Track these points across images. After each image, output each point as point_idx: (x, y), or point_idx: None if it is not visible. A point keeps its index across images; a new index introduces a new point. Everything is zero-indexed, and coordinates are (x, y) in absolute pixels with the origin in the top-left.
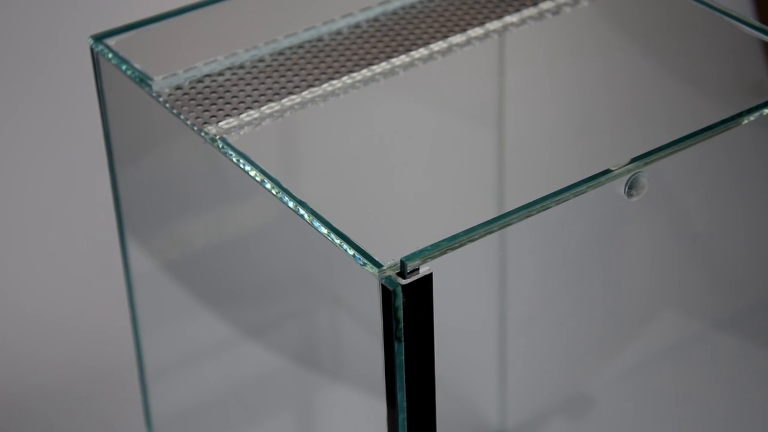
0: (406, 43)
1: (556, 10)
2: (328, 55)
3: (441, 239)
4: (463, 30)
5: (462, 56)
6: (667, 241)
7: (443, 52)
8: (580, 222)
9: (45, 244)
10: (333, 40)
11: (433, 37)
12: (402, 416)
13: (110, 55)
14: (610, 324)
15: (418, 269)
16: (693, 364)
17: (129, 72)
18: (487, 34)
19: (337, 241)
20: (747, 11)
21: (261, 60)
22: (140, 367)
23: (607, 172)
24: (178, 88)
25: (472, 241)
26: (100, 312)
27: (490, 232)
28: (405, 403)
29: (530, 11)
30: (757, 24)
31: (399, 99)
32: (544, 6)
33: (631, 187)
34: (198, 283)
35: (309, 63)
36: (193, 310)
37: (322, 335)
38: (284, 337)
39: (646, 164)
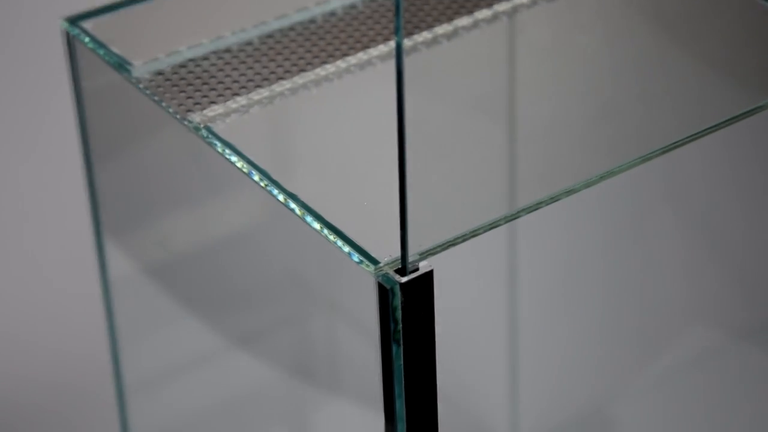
0: (408, 25)
1: None
2: (321, 38)
3: (443, 234)
4: (470, 12)
5: (468, 40)
6: (692, 240)
7: (448, 36)
8: (597, 219)
9: (14, 245)
10: (327, 21)
11: (437, 20)
12: (401, 427)
13: (86, 39)
14: (632, 331)
15: (417, 266)
16: (721, 378)
17: (106, 57)
18: (495, 16)
19: (331, 237)
20: None
21: (249, 43)
22: (118, 381)
23: (626, 164)
24: (160, 73)
25: (476, 235)
26: (73, 320)
27: (496, 226)
28: (404, 413)
29: None
30: None
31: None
32: None
33: None
34: (181, 287)
35: (301, 46)
36: (176, 318)
37: (318, 343)
38: (276, 346)
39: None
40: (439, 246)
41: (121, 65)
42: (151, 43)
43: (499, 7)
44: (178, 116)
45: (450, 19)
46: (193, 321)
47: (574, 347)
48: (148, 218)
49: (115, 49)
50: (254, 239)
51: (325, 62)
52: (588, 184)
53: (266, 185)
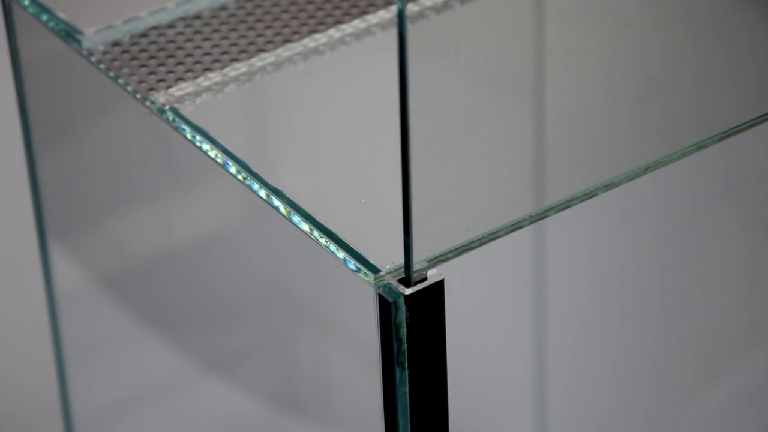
0: None
1: None
2: (310, 2)
3: (455, 237)
4: None
5: (487, 3)
6: (755, 244)
7: (462, 0)
8: (641, 220)
9: None
10: None
11: None
12: None
13: (26, 3)
14: (684, 354)
15: (425, 275)
16: None
17: (52, 24)
18: None
19: (322, 241)
20: None
21: (223, 8)
22: (66, 412)
23: (676, 152)
24: (116, 44)
25: (495, 239)
26: (12, 341)
27: (520, 228)
28: None
29: None
30: None
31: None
32: None
33: None
34: (142, 300)
35: (285, 12)
36: (136, 337)
37: (306, 366)
38: (257, 370)
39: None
40: (451, 251)
41: (69, 34)
42: (106, 8)
43: None
44: (138, 95)
45: None
46: (156, 341)
47: (613, 372)
48: (101, 217)
49: (61, 15)
50: (230, 243)
51: (314, 31)
52: (630, 177)
53: (245, 179)
